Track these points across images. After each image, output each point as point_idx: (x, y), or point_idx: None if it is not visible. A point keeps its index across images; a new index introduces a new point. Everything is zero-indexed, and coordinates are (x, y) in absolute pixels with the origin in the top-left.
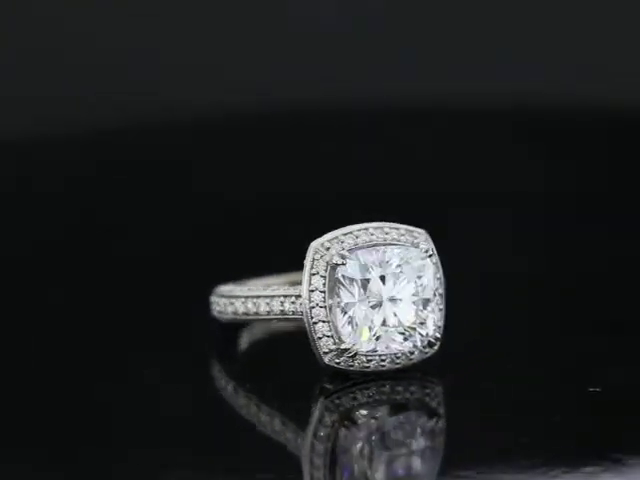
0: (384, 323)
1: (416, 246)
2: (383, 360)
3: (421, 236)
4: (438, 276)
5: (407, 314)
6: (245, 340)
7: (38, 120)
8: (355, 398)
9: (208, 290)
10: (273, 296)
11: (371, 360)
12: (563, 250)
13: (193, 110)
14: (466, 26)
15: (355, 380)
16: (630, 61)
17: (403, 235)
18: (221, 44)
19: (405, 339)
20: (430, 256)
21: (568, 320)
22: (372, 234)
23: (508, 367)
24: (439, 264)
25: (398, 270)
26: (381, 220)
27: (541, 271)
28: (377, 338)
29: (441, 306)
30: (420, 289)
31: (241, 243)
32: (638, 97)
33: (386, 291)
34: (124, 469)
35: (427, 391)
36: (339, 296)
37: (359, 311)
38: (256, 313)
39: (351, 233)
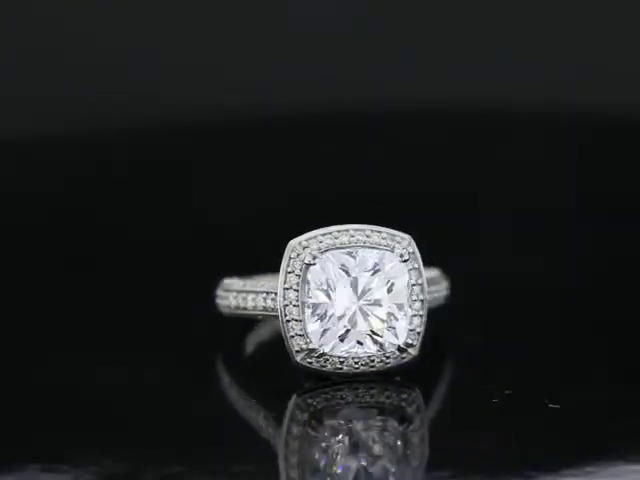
0: (353, 326)
1: (392, 250)
2: (357, 363)
3: (404, 241)
4: (420, 282)
5: (377, 318)
6: (252, 342)
7: (38, 120)
8: (327, 399)
9: (207, 290)
10: (258, 292)
11: (344, 362)
12: (564, 250)
13: (193, 110)
14: (466, 26)
15: (333, 380)
16: (630, 62)
17: (384, 239)
18: (221, 44)
19: (374, 343)
20: (405, 261)
21: (568, 320)
22: (352, 236)
23: (508, 369)
24: (421, 270)
25: (370, 274)
26: (368, 222)
27: (542, 271)
28: (344, 340)
29: (421, 312)
30: (392, 294)
31: (241, 243)
32: (638, 98)
33: (356, 294)
34: (126, 468)
35: (404, 396)
36: (309, 296)
37: (328, 312)
38: (244, 308)
39: (330, 233)
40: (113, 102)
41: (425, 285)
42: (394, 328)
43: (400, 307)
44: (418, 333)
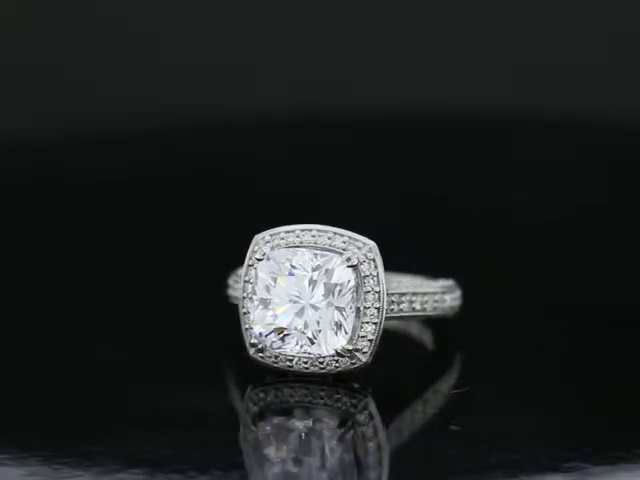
0: (291, 326)
1: (340, 254)
2: (306, 363)
3: (364, 247)
4: (377, 289)
5: (314, 319)
6: None
7: (38, 121)
8: (277, 396)
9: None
10: (239, 282)
11: (293, 360)
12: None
13: (193, 114)
14: (463, 34)
15: (289, 377)
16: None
17: (344, 243)
18: (221, 47)
19: (311, 344)
20: (353, 266)
21: (567, 322)
22: (314, 236)
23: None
24: (381, 277)
25: (314, 276)
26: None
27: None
28: (284, 339)
29: (375, 320)
30: (334, 298)
31: (243, 243)
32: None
33: (297, 294)
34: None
35: (353, 401)
36: (255, 291)
37: (270, 309)
38: (235, 297)
39: (294, 232)
40: (115, 102)
41: (383, 293)
42: (335, 332)
43: (341, 311)
44: (370, 340)
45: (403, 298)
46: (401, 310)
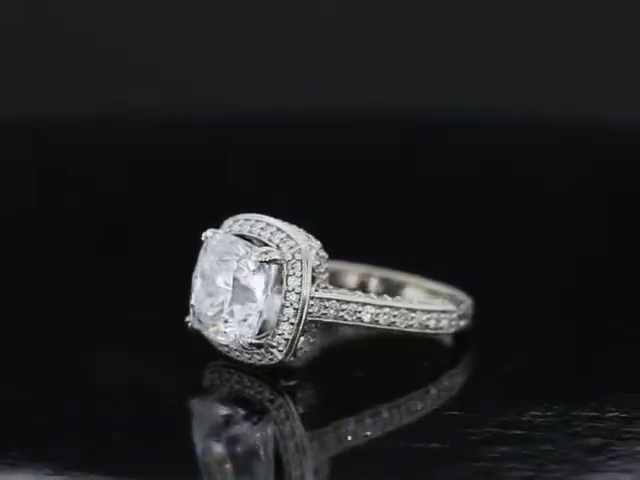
0: (204, 309)
1: (261, 245)
2: (237, 351)
3: (295, 247)
4: (299, 291)
5: (224, 309)
6: None
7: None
8: (220, 378)
9: None
10: None
11: (229, 346)
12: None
13: (193, 113)
14: (463, 34)
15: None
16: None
17: (280, 239)
18: (221, 47)
19: (221, 331)
20: (267, 262)
21: (567, 323)
22: (262, 228)
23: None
24: (305, 279)
25: (233, 265)
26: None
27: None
28: (205, 324)
29: (292, 320)
30: (243, 290)
31: None
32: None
33: (217, 281)
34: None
35: (271, 397)
36: (195, 269)
37: (197, 292)
38: None
39: (249, 220)
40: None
41: (305, 295)
42: (240, 325)
43: (249, 305)
44: (286, 339)
45: (345, 306)
46: (341, 317)
